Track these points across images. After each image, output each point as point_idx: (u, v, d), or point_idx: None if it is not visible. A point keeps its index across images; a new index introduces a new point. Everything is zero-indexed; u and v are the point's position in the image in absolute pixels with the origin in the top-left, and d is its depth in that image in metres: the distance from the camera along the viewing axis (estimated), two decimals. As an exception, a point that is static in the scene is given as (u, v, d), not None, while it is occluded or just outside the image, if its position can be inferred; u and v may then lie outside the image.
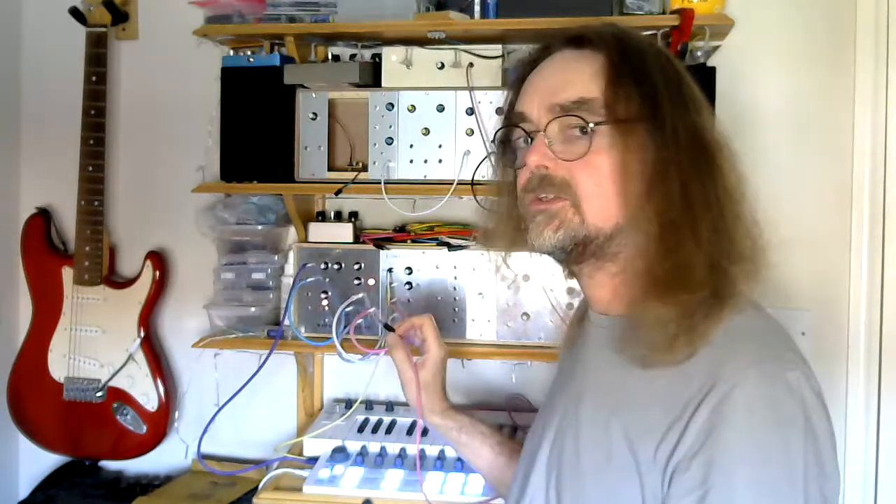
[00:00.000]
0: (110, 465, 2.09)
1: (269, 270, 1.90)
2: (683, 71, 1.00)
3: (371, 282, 1.79)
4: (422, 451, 1.70)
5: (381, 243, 1.80)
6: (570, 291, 1.71)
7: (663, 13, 1.69)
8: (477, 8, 1.73)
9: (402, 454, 1.69)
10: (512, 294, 1.74)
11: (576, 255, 0.98)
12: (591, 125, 0.94)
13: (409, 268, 1.78)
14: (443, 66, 1.75)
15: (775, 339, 0.91)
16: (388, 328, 1.47)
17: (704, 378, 0.84)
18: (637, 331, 0.92)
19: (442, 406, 1.38)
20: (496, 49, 1.72)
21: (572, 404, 1.01)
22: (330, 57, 1.91)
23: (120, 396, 1.98)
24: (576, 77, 0.96)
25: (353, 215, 1.91)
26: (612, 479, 0.89)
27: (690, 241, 0.90)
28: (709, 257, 0.91)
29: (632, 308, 0.96)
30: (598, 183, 0.94)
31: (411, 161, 1.74)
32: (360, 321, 1.77)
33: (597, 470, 0.92)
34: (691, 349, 0.87)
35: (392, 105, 1.74)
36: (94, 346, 1.99)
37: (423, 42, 1.75)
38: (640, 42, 0.99)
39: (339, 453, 1.70)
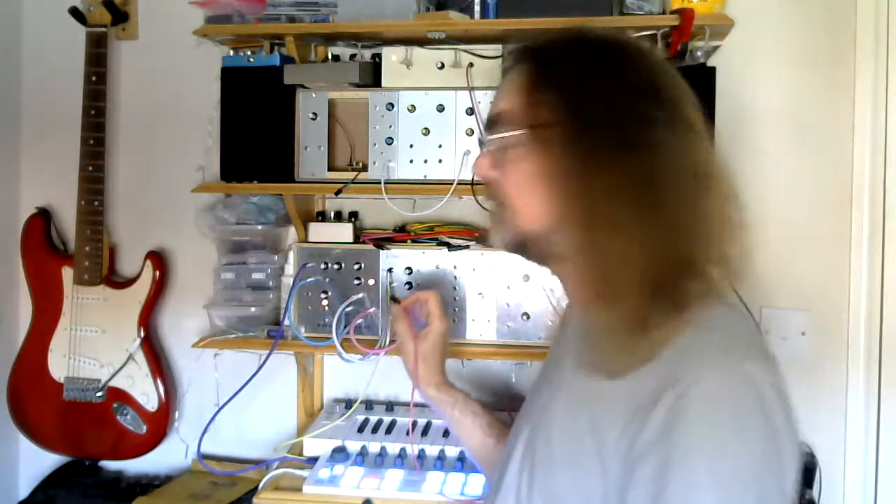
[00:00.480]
0: (110, 465, 2.09)
1: (269, 270, 1.90)
2: (620, 70, 0.96)
3: (371, 282, 1.79)
4: (422, 451, 1.70)
5: (381, 243, 1.80)
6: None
7: (663, 13, 1.69)
8: (477, 8, 1.73)
9: (402, 454, 1.69)
10: (512, 294, 1.74)
11: (528, 255, 1.03)
12: (508, 135, 0.98)
13: (409, 268, 1.78)
14: (443, 66, 1.75)
15: (740, 336, 0.91)
16: (395, 300, 1.50)
17: (667, 373, 0.85)
18: (587, 337, 0.95)
19: (438, 379, 1.41)
20: (496, 49, 1.72)
21: (552, 396, 1.03)
22: (330, 57, 1.91)
23: (120, 396, 1.98)
24: (506, 91, 1.01)
25: (353, 215, 1.92)
26: (579, 468, 0.91)
27: (619, 246, 0.91)
28: (651, 260, 0.90)
29: (585, 310, 1.00)
30: (519, 189, 0.98)
31: (411, 161, 1.74)
32: (360, 321, 1.77)
33: (565, 460, 0.94)
34: (647, 356, 0.88)
35: (392, 105, 1.74)
36: (94, 346, 1.99)
37: (423, 42, 1.75)
38: (568, 50, 1.00)
39: (339, 453, 1.70)
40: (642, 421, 0.84)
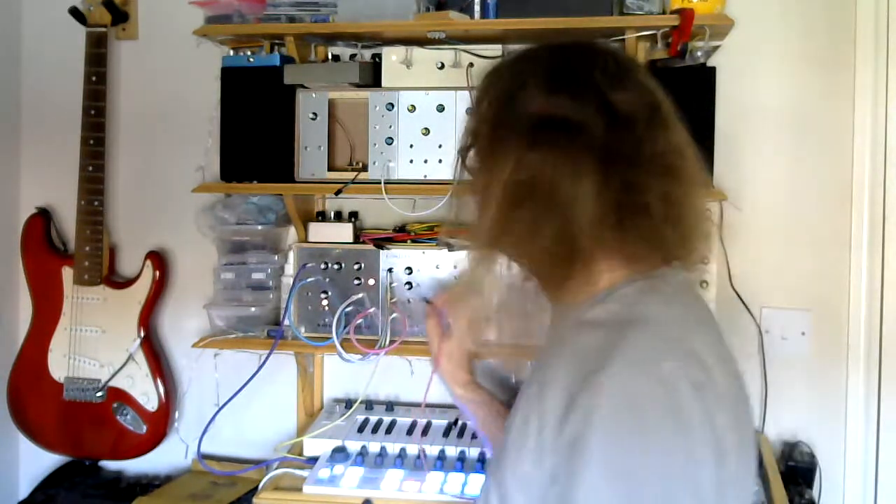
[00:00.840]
0: (110, 465, 2.09)
1: (269, 270, 1.90)
2: (519, 87, 0.98)
3: (371, 282, 1.79)
4: (422, 451, 1.70)
5: (381, 243, 1.80)
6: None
7: (663, 13, 1.69)
8: (477, 8, 1.73)
9: (402, 454, 1.69)
10: (512, 294, 1.74)
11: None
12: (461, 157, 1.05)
13: (409, 268, 1.78)
14: (443, 66, 1.75)
15: (664, 329, 0.90)
16: (427, 301, 1.51)
17: (591, 367, 0.86)
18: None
19: (464, 378, 1.41)
20: (496, 49, 1.72)
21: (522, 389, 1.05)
22: (330, 57, 1.91)
23: (120, 396, 1.98)
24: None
25: (353, 215, 1.91)
26: (522, 456, 0.92)
27: (529, 252, 0.98)
28: (534, 257, 0.97)
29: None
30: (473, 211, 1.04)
31: (411, 161, 1.74)
32: (360, 321, 1.77)
33: (514, 447, 0.94)
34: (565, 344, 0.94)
35: (392, 105, 1.74)
36: (94, 346, 1.99)
37: (423, 42, 1.75)
38: (495, 69, 1.04)
39: (339, 453, 1.70)
40: (568, 415, 0.86)
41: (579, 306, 0.97)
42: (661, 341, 0.88)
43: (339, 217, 1.90)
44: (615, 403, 0.83)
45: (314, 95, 1.78)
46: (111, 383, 1.98)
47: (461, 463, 1.67)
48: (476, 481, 1.60)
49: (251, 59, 1.83)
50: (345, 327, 1.76)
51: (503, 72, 1.02)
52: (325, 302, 1.80)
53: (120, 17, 1.98)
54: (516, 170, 0.94)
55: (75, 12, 1.94)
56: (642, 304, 0.92)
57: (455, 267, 1.76)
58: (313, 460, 1.71)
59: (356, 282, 1.80)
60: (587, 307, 0.96)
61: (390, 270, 1.79)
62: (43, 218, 2.05)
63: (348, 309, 1.77)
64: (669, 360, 0.85)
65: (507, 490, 0.94)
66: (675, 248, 0.97)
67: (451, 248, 1.77)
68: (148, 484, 1.99)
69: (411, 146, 1.74)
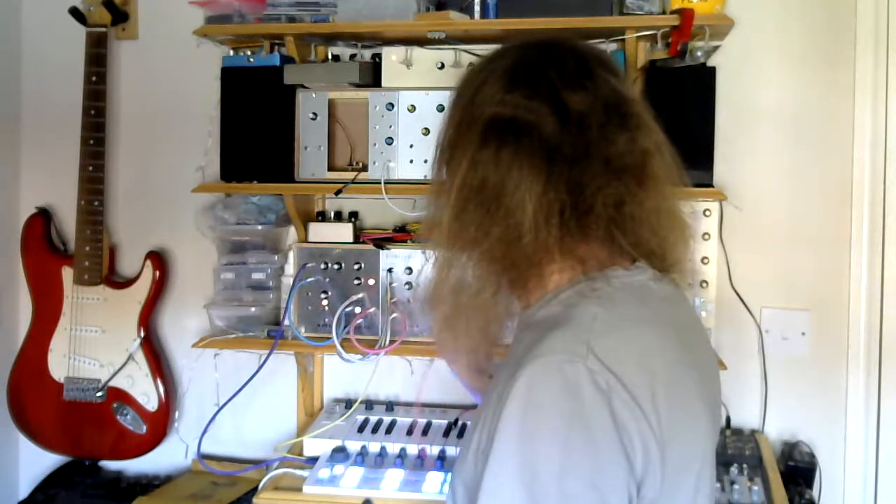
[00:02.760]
0: (110, 465, 2.09)
1: (269, 270, 1.90)
2: (481, 86, 0.98)
3: (371, 282, 1.79)
4: (422, 451, 1.70)
5: (381, 243, 1.80)
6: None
7: (663, 13, 1.69)
8: (477, 8, 1.73)
9: (402, 454, 1.69)
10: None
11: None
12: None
13: (409, 268, 1.78)
14: (443, 66, 1.75)
15: (582, 331, 0.88)
16: None
17: (515, 369, 0.87)
18: None
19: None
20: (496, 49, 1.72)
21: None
22: (330, 57, 1.91)
23: (120, 396, 1.98)
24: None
25: (353, 215, 1.91)
26: (467, 459, 0.93)
27: (462, 247, 0.98)
28: (483, 257, 0.97)
29: None
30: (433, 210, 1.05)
31: (411, 161, 1.74)
32: (360, 321, 1.77)
33: (464, 449, 0.95)
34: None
35: (392, 105, 1.74)
36: (94, 346, 1.99)
37: (423, 42, 1.75)
38: (467, 70, 1.05)
39: (339, 453, 1.70)
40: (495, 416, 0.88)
41: (531, 308, 0.98)
42: (575, 343, 0.86)
43: (339, 217, 1.90)
44: (520, 404, 0.84)
45: (314, 95, 1.78)
46: (111, 383, 1.98)
47: (461, 463, 1.67)
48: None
49: (251, 59, 1.83)
50: (345, 327, 1.76)
51: (471, 72, 1.02)
52: (325, 302, 1.80)
53: (120, 17, 1.98)
54: (469, 171, 0.95)
55: (75, 12, 1.94)
56: (576, 305, 0.91)
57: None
58: (313, 460, 1.71)
59: (356, 282, 1.80)
60: (535, 309, 0.97)
61: (390, 270, 1.79)
62: (43, 218, 2.05)
63: (348, 309, 1.77)
64: (572, 361, 0.84)
65: (457, 492, 0.95)
66: (630, 249, 0.96)
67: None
68: (148, 484, 1.99)
69: (411, 146, 1.74)
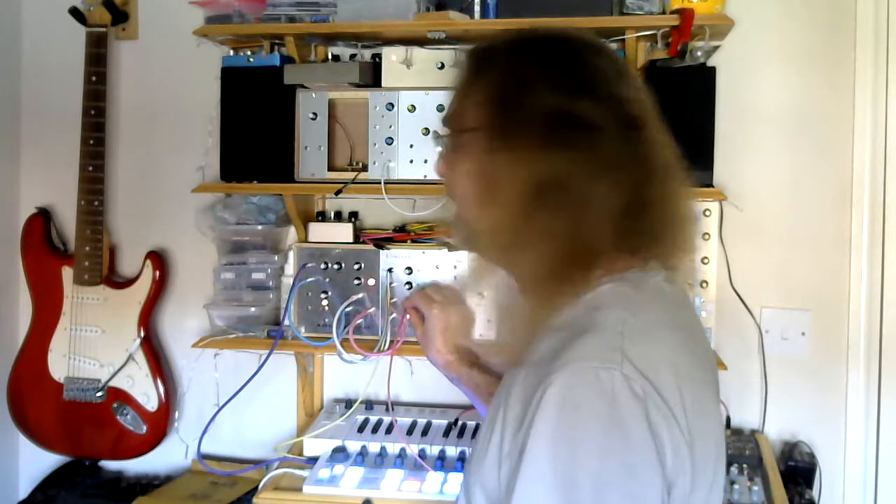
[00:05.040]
0: (110, 465, 2.09)
1: (269, 270, 1.90)
2: (544, 71, 0.96)
3: (371, 282, 1.79)
4: (422, 451, 1.70)
5: (381, 243, 1.80)
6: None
7: (663, 13, 1.69)
8: (477, 8, 1.73)
9: (402, 454, 1.69)
10: (512, 294, 1.74)
11: (479, 254, 1.07)
12: (446, 136, 1.03)
13: (409, 268, 1.78)
14: (443, 66, 1.75)
15: (613, 335, 0.88)
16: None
17: (542, 374, 0.87)
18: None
19: (445, 359, 1.44)
20: (496, 49, 1.72)
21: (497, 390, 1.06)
22: (330, 57, 1.91)
23: (120, 396, 1.98)
24: (453, 95, 1.04)
25: (353, 215, 1.91)
26: (486, 461, 0.93)
27: (525, 246, 0.95)
28: (550, 260, 0.93)
29: None
30: (459, 189, 1.02)
31: (411, 161, 1.74)
32: (360, 321, 1.77)
33: (480, 450, 0.95)
34: (520, 354, 0.93)
35: (392, 105, 1.74)
36: (94, 346, 1.99)
37: (423, 42, 1.75)
38: (499, 52, 1.00)
39: (339, 453, 1.70)
40: (522, 421, 0.87)
41: (557, 309, 0.96)
42: (609, 349, 0.85)
43: (339, 217, 1.90)
44: (554, 410, 0.83)
45: (314, 95, 1.78)
46: (111, 383, 1.98)
47: (461, 463, 1.67)
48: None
49: (251, 59, 1.83)
50: (345, 327, 1.76)
51: (501, 61, 0.99)
52: (325, 302, 1.80)
53: (120, 17, 1.98)
54: (531, 169, 0.92)
55: (75, 12, 1.94)
56: (601, 310, 0.91)
57: (455, 267, 1.76)
58: (313, 460, 1.71)
59: (356, 282, 1.80)
60: (560, 311, 0.95)
61: (390, 270, 1.79)
62: (43, 218, 2.05)
63: (348, 309, 1.77)
64: (609, 367, 0.84)
65: (474, 494, 0.95)
66: (660, 250, 0.97)
67: (451, 248, 1.77)
68: (148, 484, 1.99)
69: (411, 146, 1.74)
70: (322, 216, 1.92)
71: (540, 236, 0.93)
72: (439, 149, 1.07)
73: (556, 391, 0.84)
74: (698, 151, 1.65)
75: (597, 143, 0.92)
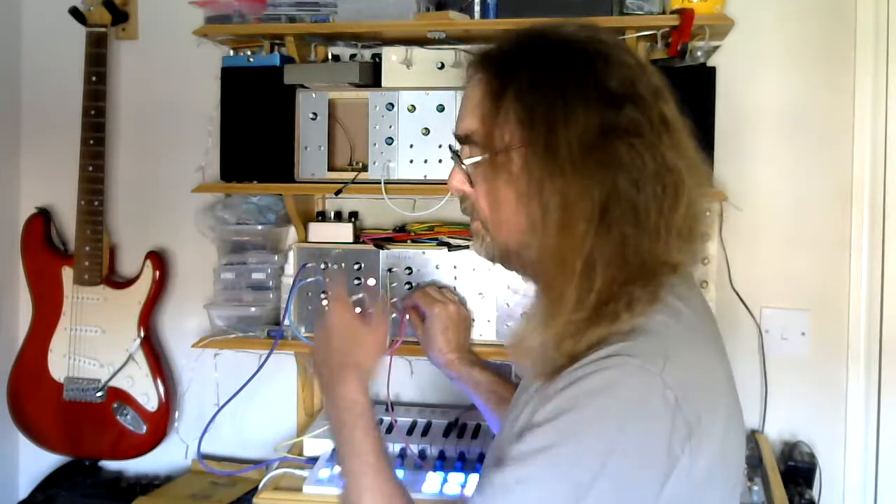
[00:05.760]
0: (110, 465, 2.09)
1: (269, 270, 1.90)
2: (580, 80, 0.93)
3: (371, 282, 1.79)
4: (422, 451, 1.70)
5: (381, 243, 1.80)
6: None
7: (663, 13, 1.69)
8: (477, 8, 1.73)
9: (402, 454, 1.69)
10: (512, 294, 1.74)
11: (511, 268, 1.04)
12: (475, 159, 0.98)
13: (409, 268, 1.78)
14: (443, 66, 1.75)
15: (659, 339, 0.88)
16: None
17: (579, 366, 0.87)
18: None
19: (445, 358, 1.47)
20: (496, 49, 1.72)
21: (516, 398, 1.06)
22: (330, 57, 1.91)
23: (120, 396, 1.98)
24: (467, 106, 1.00)
25: (353, 215, 1.91)
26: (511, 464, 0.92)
27: (560, 266, 0.92)
28: (587, 280, 0.91)
29: None
30: (491, 207, 0.99)
31: (411, 161, 1.74)
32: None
33: (504, 454, 0.94)
34: (553, 369, 0.90)
35: (392, 105, 1.74)
36: (94, 346, 1.99)
37: (423, 42, 1.75)
38: (526, 59, 0.97)
39: (339, 453, 1.70)
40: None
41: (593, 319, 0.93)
42: (652, 352, 0.86)
43: (339, 217, 1.90)
44: (589, 394, 0.84)
45: (314, 95, 1.78)
46: (111, 383, 1.98)
47: (461, 463, 1.67)
48: (475, 481, 1.60)
49: (251, 59, 1.83)
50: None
51: (528, 74, 0.95)
52: (325, 302, 1.80)
53: (120, 17, 1.98)
54: (588, 189, 0.89)
55: (75, 12, 1.94)
56: (641, 314, 0.90)
57: (455, 267, 1.76)
58: (313, 460, 1.71)
59: (356, 282, 1.79)
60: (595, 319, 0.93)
61: (390, 270, 1.79)
62: (43, 218, 2.05)
63: (348, 309, 1.77)
64: (653, 372, 0.84)
65: (496, 497, 0.94)
66: (693, 253, 0.97)
67: (450, 247, 1.77)
68: (148, 484, 1.99)
69: (411, 146, 1.74)
70: (322, 216, 1.92)
71: (605, 256, 0.90)
72: (455, 165, 1.03)
73: (596, 377, 0.84)
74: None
75: (643, 151, 0.90)
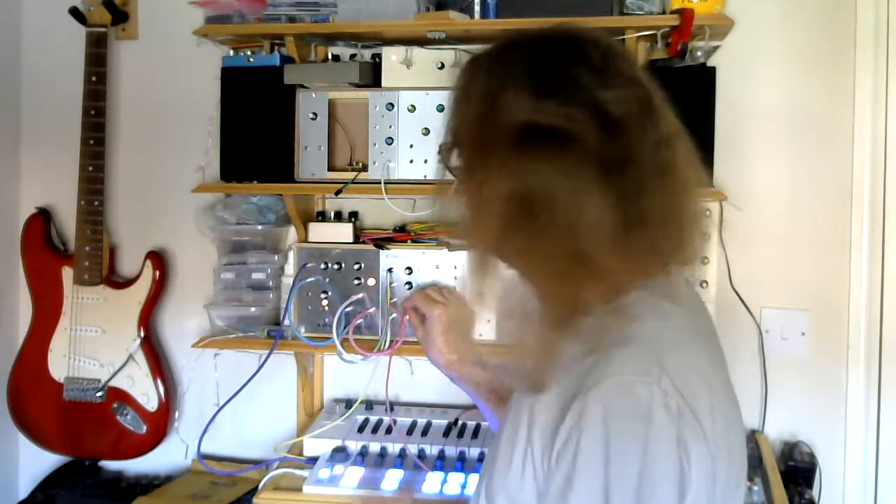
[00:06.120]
0: (110, 465, 2.09)
1: (269, 270, 1.90)
2: (522, 79, 0.92)
3: (371, 282, 1.79)
4: (422, 451, 1.70)
5: (381, 243, 1.80)
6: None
7: (663, 13, 1.69)
8: (477, 8, 1.74)
9: (402, 454, 1.69)
10: (516, 297, 1.74)
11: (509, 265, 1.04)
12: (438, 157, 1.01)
13: (409, 268, 1.78)
14: (443, 66, 1.75)
15: (650, 347, 0.87)
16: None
17: (578, 384, 0.85)
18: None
19: (446, 359, 1.45)
20: (496, 49, 1.72)
21: (513, 401, 1.05)
22: (330, 57, 1.91)
23: (120, 396, 1.98)
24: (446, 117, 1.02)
25: (353, 215, 1.91)
26: (510, 476, 0.92)
27: (530, 271, 0.93)
28: (539, 276, 0.92)
29: None
30: (459, 206, 0.99)
31: (411, 161, 1.74)
32: (360, 321, 1.77)
33: (502, 466, 0.94)
34: (544, 380, 0.90)
35: (392, 105, 1.74)
36: (94, 346, 1.99)
37: (423, 42, 1.75)
38: (476, 64, 0.98)
39: (339, 453, 1.70)
40: (556, 433, 0.86)
41: (576, 318, 0.94)
42: (646, 363, 0.85)
43: (339, 217, 1.90)
44: (598, 430, 0.82)
45: (314, 95, 1.78)
46: (111, 383, 1.98)
47: (461, 463, 1.67)
48: (475, 481, 1.60)
49: (251, 59, 1.83)
50: (345, 327, 1.76)
51: (483, 68, 0.96)
52: (325, 302, 1.80)
53: (120, 17, 1.98)
54: (510, 182, 0.89)
55: (75, 12, 1.94)
56: (634, 320, 0.89)
57: (455, 267, 1.76)
58: (313, 460, 1.71)
59: (356, 282, 1.80)
60: (581, 319, 0.93)
61: (390, 270, 1.79)
62: (43, 218, 2.05)
63: (348, 309, 1.77)
64: (646, 382, 0.83)
65: (495, 500, 0.94)
66: (671, 251, 0.95)
67: (450, 248, 1.77)
68: (148, 484, 1.99)
69: (411, 146, 1.74)
70: (322, 216, 1.92)
71: (530, 248, 0.90)
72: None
73: (597, 409, 0.83)
74: (698, 151, 1.65)
75: (574, 153, 0.88)
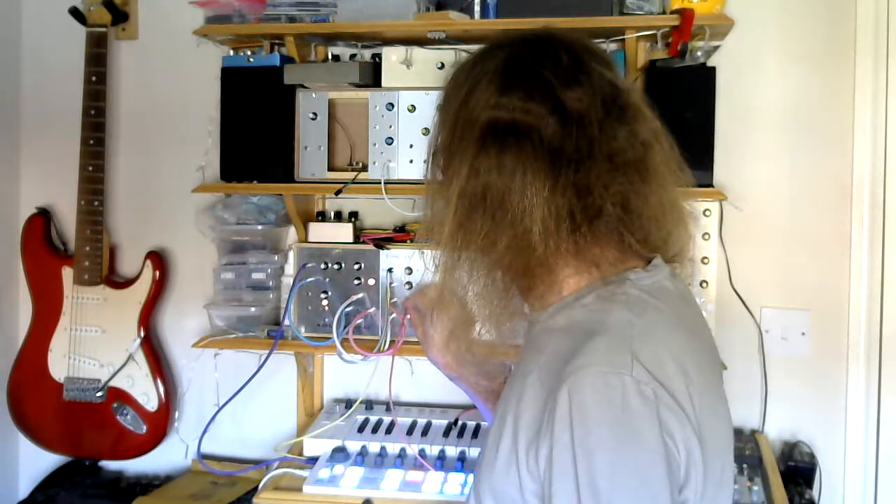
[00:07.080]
0: (110, 465, 2.09)
1: (269, 270, 1.90)
2: (489, 82, 0.95)
3: (371, 282, 1.79)
4: (422, 451, 1.70)
5: (381, 243, 1.80)
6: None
7: (663, 13, 1.69)
8: (477, 8, 1.74)
9: (402, 454, 1.69)
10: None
11: None
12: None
13: (409, 268, 1.78)
14: (443, 66, 1.75)
15: (621, 337, 0.88)
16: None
17: (556, 379, 0.86)
18: None
19: (446, 359, 1.44)
20: (496, 49, 1.72)
21: (503, 396, 1.05)
22: (330, 57, 1.91)
23: (120, 396, 1.98)
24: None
25: (353, 215, 1.91)
26: (498, 471, 0.92)
27: (494, 262, 0.97)
28: (495, 267, 0.97)
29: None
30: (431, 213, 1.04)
31: (411, 161, 1.74)
32: (360, 321, 1.77)
33: (489, 461, 0.95)
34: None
35: (392, 105, 1.74)
36: (94, 346, 1.99)
37: (423, 42, 1.75)
38: (457, 69, 1.01)
39: (339, 453, 1.70)
40: (539, 427, 0.87)
41: (547, 312, 0.97)
42: (618, 353, 0.85)
43: (339, 217, 1.90)
44: (569, 422, 0.83)
45: (314, 95, 1.78)
46: (111, 383, 1.98)
47: (461, 463, 1.67)
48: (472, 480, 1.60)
49: (251, 59, 1.84)
50: (345, 327, 1.76)
51: (465, 71, 0.99)
52: (325, 302, 1.80)
53: (120, 17, 1.98)
54: (470, 177, 0.92)
55: (75, 12, 1.94)
56: (606, 311, 0.90)
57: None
58: (313, 460, 1.71)
59: (356, 282, 1.80)
60: (553, 313, 0.96)
61: (390, 270, 1.79)
62: (43, 218, 2.05)
63: (348, 309, 1.77)
64: (622, 373, 0.83)
65: (482, 497, 0.94)
66: (639, 246, 0.95)
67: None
68: (148, 484, 1.99)
69: (411, 146, 1.74)
70: (322, 216, 1.92)
71: (487, 244, 0.93)
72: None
73: (568, 400, 0.83)
74: (698, 151, 1.65)
75: (532, 147, 0.90)
